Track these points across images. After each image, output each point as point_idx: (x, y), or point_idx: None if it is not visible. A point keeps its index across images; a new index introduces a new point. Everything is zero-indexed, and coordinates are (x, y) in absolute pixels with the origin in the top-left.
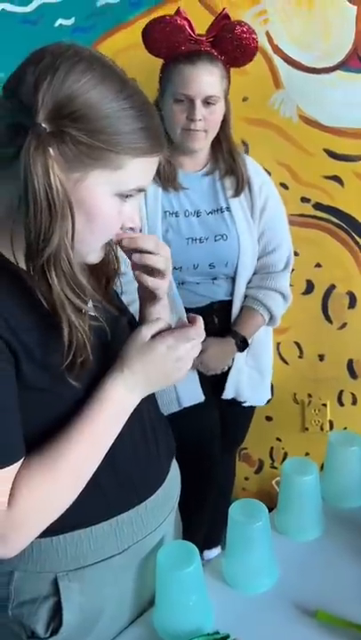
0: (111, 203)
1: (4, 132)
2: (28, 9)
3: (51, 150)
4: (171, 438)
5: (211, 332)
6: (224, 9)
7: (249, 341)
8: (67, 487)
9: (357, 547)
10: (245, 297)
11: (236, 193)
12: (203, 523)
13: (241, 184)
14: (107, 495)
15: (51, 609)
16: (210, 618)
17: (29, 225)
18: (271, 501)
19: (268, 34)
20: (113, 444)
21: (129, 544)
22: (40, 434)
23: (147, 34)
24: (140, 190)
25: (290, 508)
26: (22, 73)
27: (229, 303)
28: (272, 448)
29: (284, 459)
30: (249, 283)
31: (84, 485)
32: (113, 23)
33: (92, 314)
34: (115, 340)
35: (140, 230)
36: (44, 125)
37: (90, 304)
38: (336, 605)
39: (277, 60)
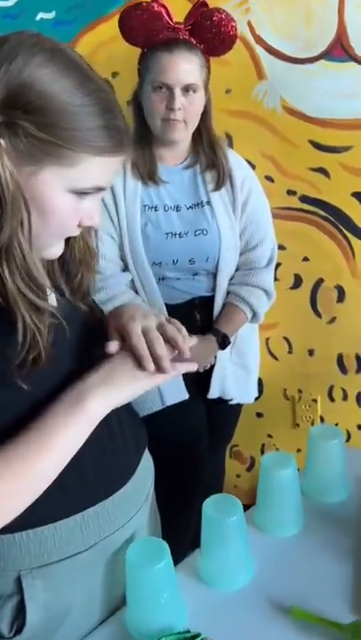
0: (66, 199)
1: None
2: (9, 3)
3: (2, 141)
4: (140, 431)
5: (192, 328)
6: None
7: (231, 339)
8: (24, 493)
9: (337, 542)
10: (228, 293)
11: (217, 186)
12: (190, 522)
13: (222, 177)
14: (70, 491)
15: (14, 608)
16: (183, 616)
17: None
18: None
19: (249, 23)
20: None
21: (96, 540)
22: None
23: (123, 22)
24: (99, 190)
25: (268, 503)
26: None
27: (211, 299)
28: (263, 445)
29: None
30: (231, 279)
31: (42, 490)
32: (94, 16)
33: (52, 311)
34: (78, 339)
35: (119, 225)
36: None
37: (51, 301)
38: (312, 602)
39: (260, 51)
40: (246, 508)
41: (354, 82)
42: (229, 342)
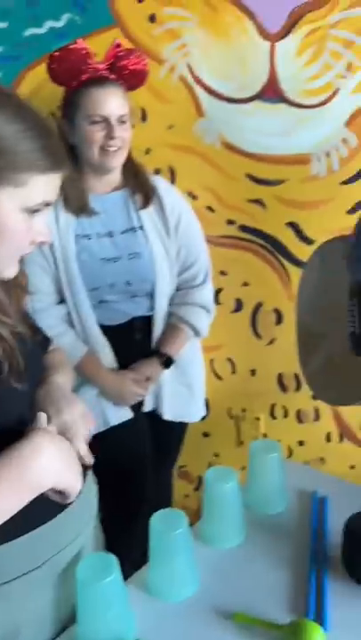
0: (19, 218)
1: None
2: None
3: None
4: None
5: (133, 348)
6: (115, 39)
7: (174, 358)
8: None
9: (277, 551)
10: (169, 314)
11: (145, 205)
12: (134, 540)
13: (149, 197)
14: (22, 511)
15: None
16: (132, 628)
17: None
18: None
19: (188, 66)
20: None
21: (46, 557)
22: None
23: (51, 65)
24: (47, 204)
25: (212, 516)
26: None
27: (150, 319)
28: (210, 464)
29: None
30: (172, 299)
31: None
32: (39, 53)
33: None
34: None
35: (52, 255)
36: None
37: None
38: (254, 607)
39: (199, 90)
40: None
41: (285, 121)
42: (172, 362)
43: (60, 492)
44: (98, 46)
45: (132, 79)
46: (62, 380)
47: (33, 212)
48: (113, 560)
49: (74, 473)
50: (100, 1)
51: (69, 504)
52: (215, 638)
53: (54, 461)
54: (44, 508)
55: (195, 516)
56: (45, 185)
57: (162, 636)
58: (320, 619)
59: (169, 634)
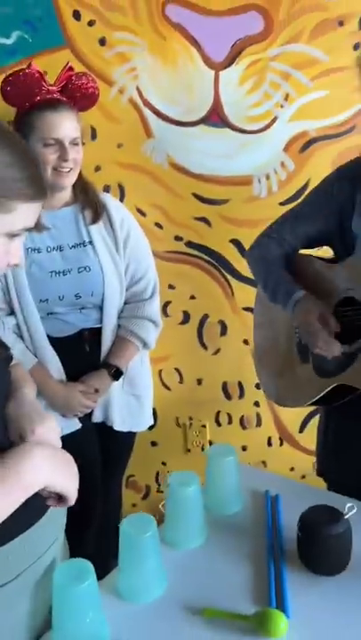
0: (5, 242)
1: None
2: None
3: None
4: None
5: (82, 361)
6: (68, 63)
7: (123, 370)
8: None
9: (236, 548)
10: (118, 326)
11: (94, 220)
12: (84, 549)
13: (98, 211)
14: None
15: None
16: (106, 631)
17: None
18: (159, 524)
19: (137, 88)
20: None
21: (21, 569)
22: None
23: (4, 86)
24: (27, 230)
25: (176, 519)
26: None
27: (99, 330)
28: (158, 472)
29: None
30: (121, 312)
31: None
32: None
33: None
34: None
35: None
36: None
37: None
38: (220, 602)
39: (147, 112)
40: None
41: (228, 145)
42: (122, 374)
43: (60, 498)
44: (47, 66)
45: (83, 101)
46: (30, 393)
47: (13, 236)
48: (88, 566)
49: (68, 474)
50: (51, 22)
51: (42, 516)
52: (187, 633)
53: (45, 461)
54: (18, 521)
55: None
56: (28, 212)
57: (136, 636)
58: (282, 607)
59: (143, 633)
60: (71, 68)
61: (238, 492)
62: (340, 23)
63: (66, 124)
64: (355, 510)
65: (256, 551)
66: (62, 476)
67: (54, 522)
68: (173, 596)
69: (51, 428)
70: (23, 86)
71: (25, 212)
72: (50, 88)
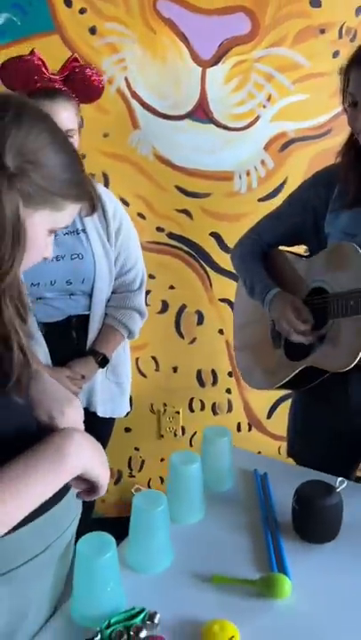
0: (45, 237)
1: None
2: None
3: (19, 188)
4: None
5: (69, 347)
6: (74, 53)
7: (109, 358)
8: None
9: (234, 521)
10: (105, 315)
11: (90, 212)
12: None
13: (94, 204)
14: None
15: None
16: (123, 600)
17: None
18: (129, 511)
19: (126, 79)
20: None
21: (49, 542)
22: None
23: (5, 71)
24: (64, 228)
25: (178, 495)
26: None
27: (87, 317)
28: (130, 458)
29: (141, 467)
30: (109, 301)
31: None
32: None
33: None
34: None
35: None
36: (11, 168)
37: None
38: (226, 570)
39: (135, 104)
40: (117, 519)
41: (213, 140)
42: (108, 361)
43: (89, 490)
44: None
45: (86, 92)
46: (47, 375)
47: (52, 232)
48: (110, 538)
49: (102, 463)
50: (42, 6)
51: (68, 491)
52: (199, 598)
53: (85, 448)
54: (50, 498)
55: (115, 509)
56: (73, 212)
57: (150, 603)
58: (283, 572)
59: (157, 601)
60: (76, 59)
61: (231, 470)
62: (322, 31)
63: (61, 114)
64: (345, 484)
65: (253, 524)
66: (98, 463)
67: (74, 499)
68: (181, 566)
69: (77, 409)
70: (22, 72)
71: (70, 212)
72: (52, 77)
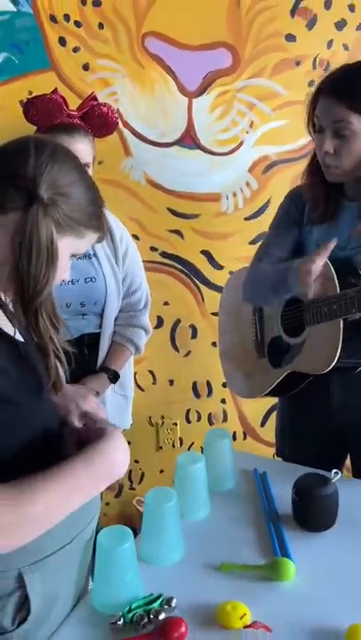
0: (67, 260)
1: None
2: None
3: (54, 216)
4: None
5: (82, 364)
6: (93, 92)
7: (120, 374)
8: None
9: (238, 516)
10: (114, 333)
11: (100, 240)
12: None
13: (104, 233)
14: None
15: (16, 603)
16: (141, 590)
17: (29, 272)
18: (132, 522)
19: (118, 111)
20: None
21: (77, 532)
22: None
23: (30, 107)
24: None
25: (185, 493)
26: (26, 153)
27: (97, 335)
28: (130, 471)
29: (141, 479)
30: (116, 319)
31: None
32: None
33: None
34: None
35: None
36: (45, 198)
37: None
38: (234, 559)
39: (127, 133)
40: None
41: (200, 165)
42: (118, 377)
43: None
44: (32, 86)
45: (102, 128)
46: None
47: (73, 256)
48: (128, 531)
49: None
50: (38, 46)
51: None
52: (211, 584)
53: (126, 456)
54: None
55: (115, 522)
56: (91, 240)
57: (167, 590)
58: (287, 556)
59: (171, 588)
60: (95, 98)
61: (232, 470)
62: (298, 63)
63: (78, 149)
64: (339, 476)
65: (255, 517)
66: (127, 463)
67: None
68: (192, 557)
69: (92, 401)
70: (45, 109)
71: (89, 240)
72: (70, 113)
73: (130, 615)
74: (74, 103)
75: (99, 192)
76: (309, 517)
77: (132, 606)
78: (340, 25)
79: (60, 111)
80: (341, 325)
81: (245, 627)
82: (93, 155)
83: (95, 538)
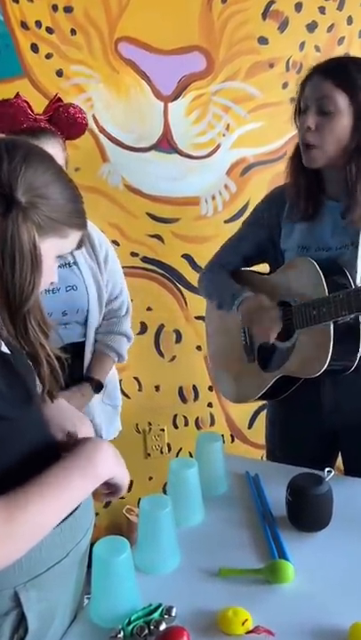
0: (53, 262)
1: None
2: None
3: (32, 219)
4: None
5: (67, 374)
6: (57, 94)
7: (104, 383)
8: (31, 540)
9: (233, 519)
10: (96, 341)
11: (78, 247)
12: None
13: (82, 239)
14: None
15: (13, 621)
16: (139, 599)
17: (14, 280)
18: (122, 531)
19: (94, 116)
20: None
21: (71, 546)
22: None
23: None
24: (69, 253)
25: (178, 499)
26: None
27: (81, 344)
28: None
29: (130, 488)
30: (99, 327)
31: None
32: None
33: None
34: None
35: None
36: (23, 202)
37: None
38: (231, 563)
39: (103, 139)
40: None
41: (178, 169)
42: (102, 386)
43: (111, 491)
44: (5, 93)
45: (71, 130)
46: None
47: (57, 258)
48: (124, 541)
49: (123, 467)
50: (10, 53)
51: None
52: (211, 590)
53: (110, 456)
54: None
55: (104, 533)
56: (75, 239)
57: (166, 599)
58: (284, 558)
59: (169, 596)
60: (59, 99)
61: (224, 473)
62: (271, 65)
63: (49, 152)
64: (333, 474)
65: (250, 520)
66: (120, 469)
67: (91, 506)
68: (189, 564)
69: (88, 425)
70: (8, 114)
71: (74, 239)
72: (37, 117)
73: (130, 628)
74: None
75: (77, 189)
76: (305, 517)
77: (132, 618)
78: (312, 27)
79: (25, 116)
80: (332, 328)
81: (248, 632)
82: (65, 157)
83: (90, 550)
